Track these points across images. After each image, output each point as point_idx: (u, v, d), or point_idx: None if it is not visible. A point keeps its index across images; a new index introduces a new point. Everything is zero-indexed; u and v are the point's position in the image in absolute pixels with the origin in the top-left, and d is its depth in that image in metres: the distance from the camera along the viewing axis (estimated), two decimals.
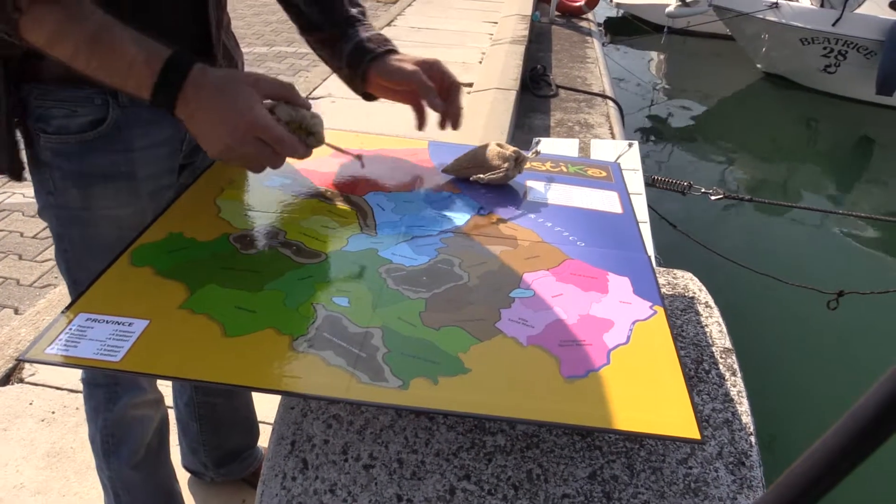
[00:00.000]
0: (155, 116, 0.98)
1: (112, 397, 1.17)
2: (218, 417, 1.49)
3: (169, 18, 0.94)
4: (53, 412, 1.81)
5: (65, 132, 0.94)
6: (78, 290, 1.05)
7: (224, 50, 1.07)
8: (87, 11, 0.77)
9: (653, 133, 8.57)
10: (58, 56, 0.78)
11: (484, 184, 1.06)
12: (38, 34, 0.77)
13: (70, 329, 0.70)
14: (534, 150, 1.15)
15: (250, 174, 1.05)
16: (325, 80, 4.57)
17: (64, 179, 0.97)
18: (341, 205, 0.98)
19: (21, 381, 1.92)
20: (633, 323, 0.78)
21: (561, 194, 1.08)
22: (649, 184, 2.96)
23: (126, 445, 1.22)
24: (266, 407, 1.80)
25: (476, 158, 1.07)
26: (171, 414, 1.67)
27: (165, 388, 1.62)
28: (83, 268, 1.04)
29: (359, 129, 3.66)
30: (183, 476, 1.64)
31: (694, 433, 0.63)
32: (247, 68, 1.18)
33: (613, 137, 3.89)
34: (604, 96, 4.61)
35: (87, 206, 0.99)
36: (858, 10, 9.32)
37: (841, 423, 0.25)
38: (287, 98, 0.86)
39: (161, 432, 1.31)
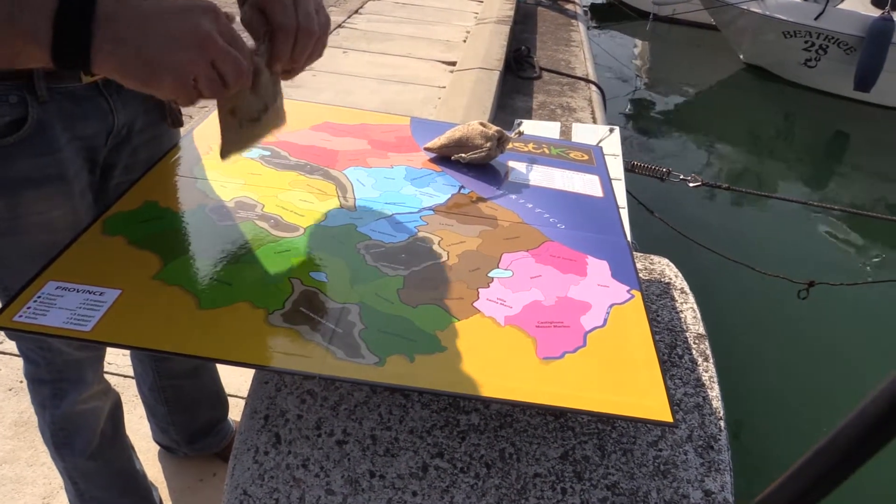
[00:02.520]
0: (79, 109, 0.89)
1: (58, 393, 1.11)
2: (185, 398, 1.46)
3: None
4: (21, 381, 1.78)
5: None
6: (9, 295, 0.95)
7: None
8: None
9: (634, 119, 8.60)
10: None
11: (465, 163, 1.06)
12: None
13: (39, 297, 0.68)
14: (517, 131, 1.15)
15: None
16: None
17: None
18: (320, 179, 0.97)
19: None
20: (611, 306, 0.79)
21: (542, 176, 1.07)
22: (628, 169, 2.97)
23: (78, 437, 1.16)
24: (237, 380, 1.80)
25: (458, 137, 1.07)
26: (127, 393, 1.65)
27: (127, 378, 1.61)
28: (14, 273, 0.93)
29: (338, 103, 3.62)
30: (154, 448, 1.63)
31: (667, 416, 0.64)
32: None
33: (595, 122, 3.89)
34: (587, 80, 4.61)
35: (15, 214, 0.89)
36: (841, 6, 9.39)
37: (850, 420, 0.24)
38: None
39: (114, 417, 1.25)
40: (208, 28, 0.63)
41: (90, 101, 0.91)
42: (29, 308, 0.67)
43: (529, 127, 2.99)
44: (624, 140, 2.72)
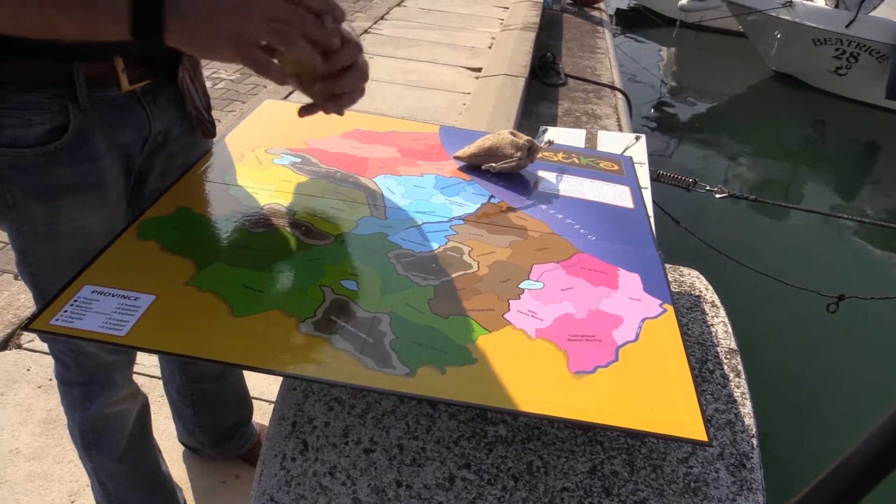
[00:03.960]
0: (118, 117, 0.91)
1: (88, 396, 1.12)
2: (211, 400, 1.48)
3: None
4: (51, 379, 1.81)
5: (21, 144, 0.83)
6: (45, 299, 0.96)
7: None
8: None
9: (660, 127, 8.53)
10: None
11: (495, 172, 1.05)
12: None
13: (75, 300, 0.69)
14: (547, 141, 1.14)
15: (260, 152, 1.04)
16: None
17: (25, 194, 0.87)
18: (351, 187, 0.97)
19: (19, 346, 1.91)
20: (643, 320, 0.78)
21: (572, 186, 1.07)
22: (654, 178, 2.94)
23: (107, 439, 1.17)
24: (261, 383, 1.81)
25: (488, 146, 1.06)
26: (154, 394, 1.66)
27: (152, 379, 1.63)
28: (50, 279, 0.96)
29: (362, 108, 3.64)
30: (178, 448, 1.64)
31: (701, 435, 0.63)
32: None
33: (621, 129, 3.87)
34: (613, 88, 4.58)
35: (54, 220, 0.90)
36: (873, 13, 9.24)
37: (877, 429, 0.24)
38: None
39: (142, 419, 1.26)
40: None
41: (129, 110, 0.92)
42: (66, 312, 0.68)
43: (554, 134, 2.98)
44: (649, 148, 2.70)
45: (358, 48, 0.80)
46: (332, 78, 0.79)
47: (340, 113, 0.85)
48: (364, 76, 0.83)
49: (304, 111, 0.86)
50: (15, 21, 0.66)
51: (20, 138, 0.83)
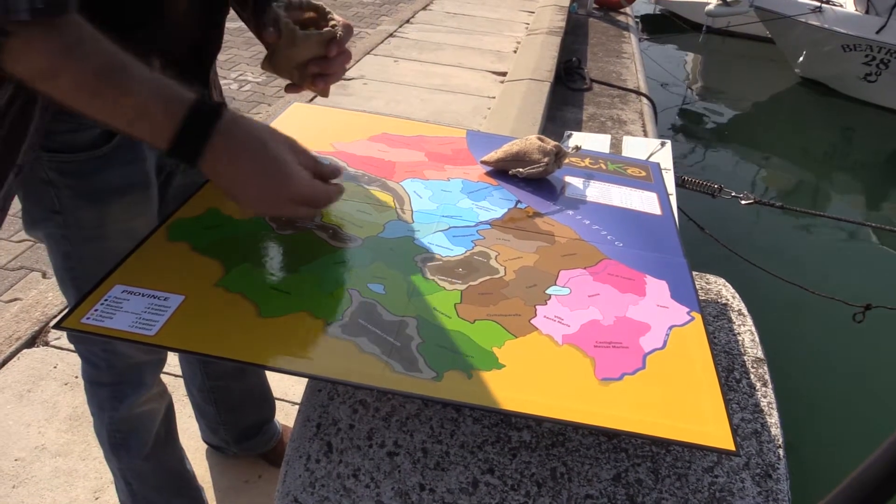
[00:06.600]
0: None
1: (117, 396, 1.13)
2: (234, 398, 1.49)
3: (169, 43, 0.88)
4: (77, 376, 1.84)
5: (73, 149, 0.86)
6: None
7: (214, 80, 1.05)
8: (89, 47, 0.65)
9: (685, 132, 8.45)
10: (48, 93, 0.66)
11: (522, 177, 1.05)
12: (27, 65, 0.63)
13: (106, 300, 0.70)
14: (574, 146, 1.14)
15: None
16: (357, 61, 4.57)
17: (75, 199, 0.90)
18: (378, 190, 0.98)
19: (46, 344, 1.95)
20: (670, 328, 0.77)
21: (600, 192, 1.06)
22: (679, 184, 2.92)
23: (134, 439, 1.19)
24: (284, 384, 1.82)
25: (516, 151, 1.06)
26: (177, 393, 1.68)
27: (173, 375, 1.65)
28: (92, 279, 0.95)
29: (388, 112, 3.66)
30: (200, 447, 1.66)
31: (729, 444, 0.63)
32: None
33: (646, 135, 3.85)
34: (638, 93, 4.56)
35: (102, 223, 0.93)
36: None
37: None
38: (317, 173, 0.78)
39: (168, 419, 1.28)
40: (288, 190, 0.74)
41: None
42: (96, 311, 0.69)
43: (579, 139, 2.97)
44: (674, 154, 2.68)
45: (351, 30, 0.91)
46: (326, 59, 0.89)
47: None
48: (349, 57, 0.93)
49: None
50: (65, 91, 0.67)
51: (71, 143, 0.86)
